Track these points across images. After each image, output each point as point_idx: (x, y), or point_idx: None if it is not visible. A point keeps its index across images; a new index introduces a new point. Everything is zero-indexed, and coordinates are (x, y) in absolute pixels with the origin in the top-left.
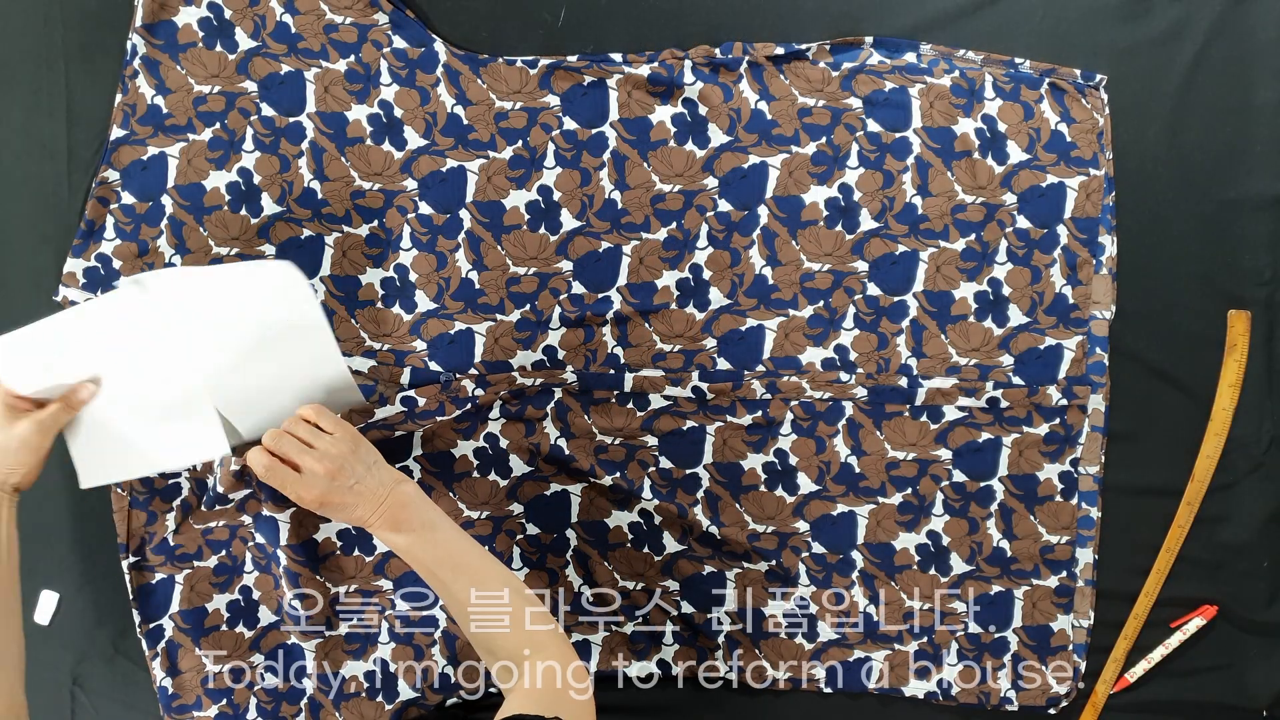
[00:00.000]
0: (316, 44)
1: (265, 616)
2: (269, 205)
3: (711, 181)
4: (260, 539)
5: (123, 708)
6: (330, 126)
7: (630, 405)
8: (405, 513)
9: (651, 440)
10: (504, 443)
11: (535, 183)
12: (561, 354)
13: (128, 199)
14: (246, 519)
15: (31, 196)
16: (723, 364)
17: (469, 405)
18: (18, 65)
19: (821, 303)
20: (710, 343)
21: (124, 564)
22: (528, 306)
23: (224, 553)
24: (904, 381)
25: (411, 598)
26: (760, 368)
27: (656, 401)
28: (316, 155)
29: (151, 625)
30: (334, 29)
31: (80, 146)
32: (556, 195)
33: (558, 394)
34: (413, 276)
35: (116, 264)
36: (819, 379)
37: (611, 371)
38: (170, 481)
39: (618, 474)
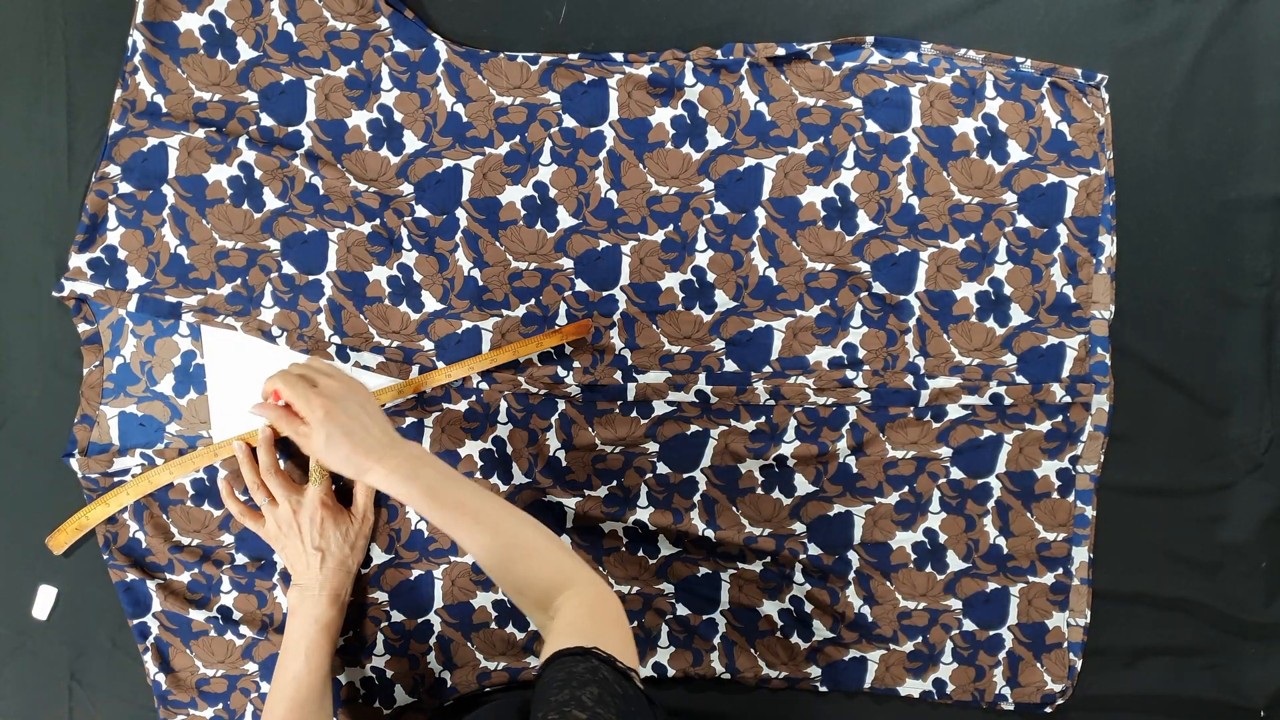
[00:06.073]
0: (318, 52)
1: (249, 635)
2: (271, 200)
3: (707, 184)
4: (242, 559)
5: (121, 703)
6: (329, 134)
7: (634, 414)
8: (419, 463)
9: (652, 447)
10: (509, 448)
11: (530, 179)
12: (569, 349)
13: (126, 188)
14: (227, 538)
15: (31, 191)
16: (730, 365)
17: (474, 397)
18: (18, 59)
19: (828, 302)
20: (718, 344)
21: (104, 557)
22: (533, 301)
23: (196, 570)
24: (910, 380)
25: (406, 610)
26: (767, 369)
27: (660, 408)
28: (312, 162)
29: (136, 622)
30: (335, 35)
31: (80, 141)
32: (552, 192)
33: (561, 405)
34: (417, 277)
35: (122, 254)
36: (825, 378)
37: (618, 373)
38: (116, 480)
39: (614, 483)
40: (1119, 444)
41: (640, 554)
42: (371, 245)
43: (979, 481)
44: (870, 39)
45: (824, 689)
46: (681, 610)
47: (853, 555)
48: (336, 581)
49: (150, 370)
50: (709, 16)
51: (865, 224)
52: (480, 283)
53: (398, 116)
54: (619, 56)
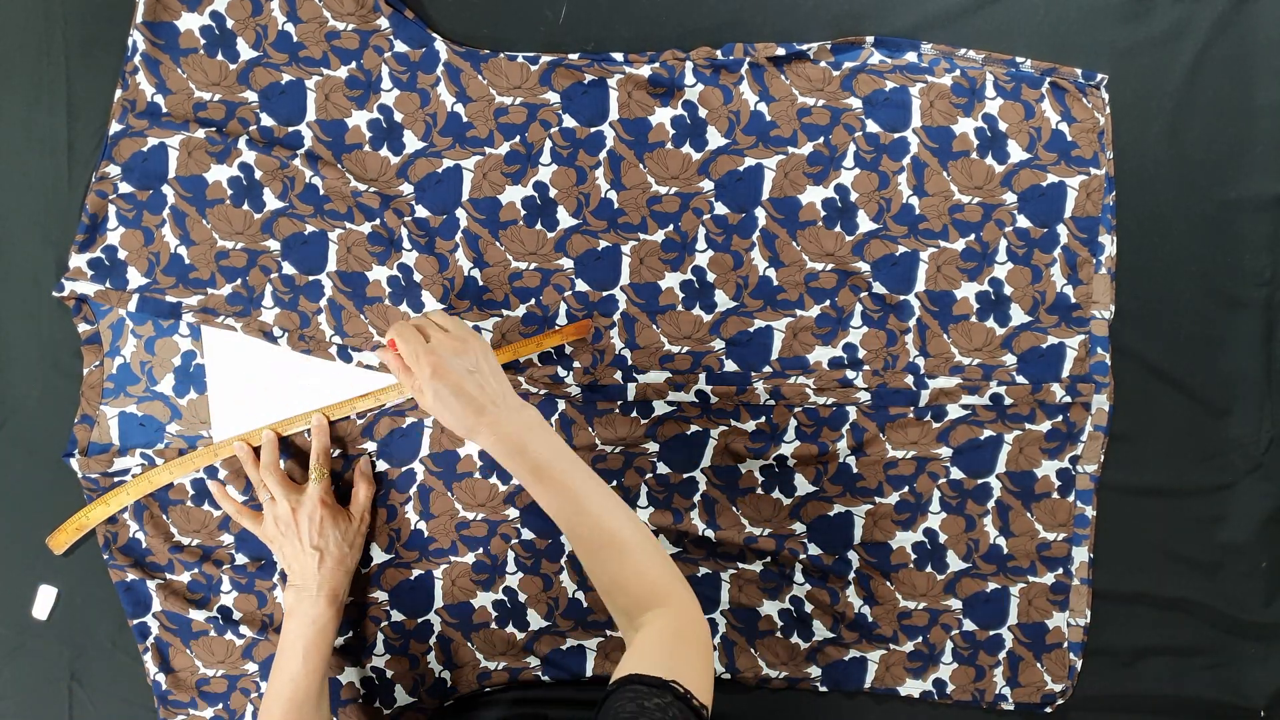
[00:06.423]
0: (318, 52)
1: (248, 635)
2: (271, 200)
3: (707, 184)
4: (242, 559)
5: (121, 703)
6: (329, 134)
7: (634, 414)
8: (529, 434)
9: (652, 447)
10: None
11: (530, 179)
12: (569, 349)
13: (126, 188)
14: (227, 538)
15: (31, 191)
16: (730, 365)
17: None
18: (18, 59)
19: (828, 302)
20: (718, 344)
21: (104, 557)
22: (533, 301)
23: (196, 570)
24: (910, 380)
25: (406, 610)
26: (767, 369)
27: (660, 408)
28: (312, 162)
29: (136, 622)
30: (336, 35)
31: (81, 141)
32: (552, 192)
33: (561, 405)
34: (417, 277)
35: (122, 254)
36: (825, 378)
37: (618, 373)
38: (116, 480)
39: (614, 483)
40: (1119, 444)
41: None
42: (371, 245)
43: (979, 481)
44: (870, 39)
45: (824, 689)
46: None
47: (853, 555)
48: (335, 581)
49: (150, 370)
50: (709, 16)
51: (865, 224)
52: (480, 283)
53: (398, 116)
54: (619, 56)
